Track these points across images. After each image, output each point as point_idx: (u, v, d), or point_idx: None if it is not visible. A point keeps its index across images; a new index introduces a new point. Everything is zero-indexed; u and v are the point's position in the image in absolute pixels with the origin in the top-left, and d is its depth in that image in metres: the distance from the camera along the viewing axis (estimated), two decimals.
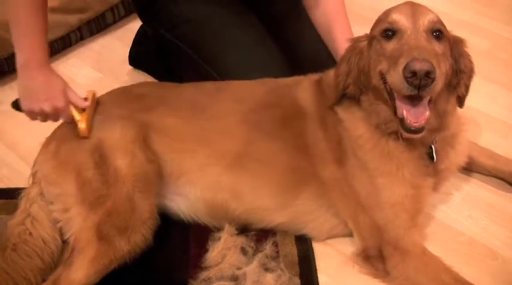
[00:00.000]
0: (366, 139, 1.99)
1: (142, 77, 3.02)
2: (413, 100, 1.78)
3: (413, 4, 1.89)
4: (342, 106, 2.04)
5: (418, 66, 1.66)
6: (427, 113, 1.80)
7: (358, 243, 2.06)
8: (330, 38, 2.49)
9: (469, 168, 2.34)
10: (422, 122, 1.79)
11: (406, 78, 1.68)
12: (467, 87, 1.98)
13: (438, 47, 1.82)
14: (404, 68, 1.68)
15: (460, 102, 2.00)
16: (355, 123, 2.01)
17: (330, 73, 2.13)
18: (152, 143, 2.09)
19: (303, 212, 2.10)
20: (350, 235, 2.12)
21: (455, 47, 1.93)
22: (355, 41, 2.01)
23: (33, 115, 2.15)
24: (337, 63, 2.14)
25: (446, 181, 2.20)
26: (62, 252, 2.05)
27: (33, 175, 2.11)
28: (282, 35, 2.63)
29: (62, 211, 2.01)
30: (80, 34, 3.31)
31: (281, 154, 2.09)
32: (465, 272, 1.94)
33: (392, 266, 1.95)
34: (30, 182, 2.12)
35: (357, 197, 2.01)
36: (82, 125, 2.05)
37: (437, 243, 2.10)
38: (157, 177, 2.07)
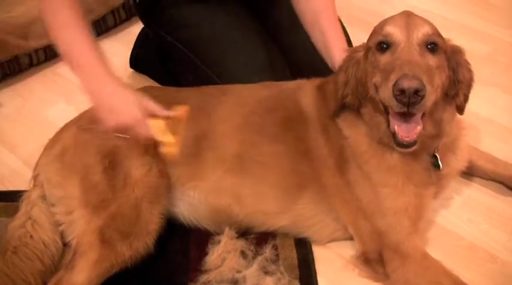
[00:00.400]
0: (370, 155, 1.98)
1: (143, 80, 3.02)
2: (405, 115, 1.78)
3: (409, 15, 1.87)
4: (345, 122, 2.04)
5: (407, 84, 1.65)
6: (419, 128, 1.79)
7: (358, 247, 2.06)
8: (323, 46, 2.45)
9: (469, 172, 2.34)
10: (414, 136, 1.78)
11: (395, 95, 1.68)
12: (466, 97, 1.96)
13: (432, 60, 1.80)
14: (394, 85, 1.67)
15: (460, 110, 1.98)
16: (359, 139, 2.01)
17: (331, 81, 2.14)
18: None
19: (304, 216, 2.11)
20: (350, 238, 2.12)
21: (453, 56, 1.90)
22: (352, 51, 2.01)
23: (114, 130, 1.95)
24: (331, 70, 2.17)
25: (447, 187, 2.20)
26: (63, 255, 2.06)
27: (35, 177, 2.11)
28: (281, 38, 2.64)
29: (65, 214, 2.01)
30: None
31: (283, 157, 2.09)
32: (465, 276, 1.94)
33: (392, 270, 1.95)
34: (32, 185, 2.12)
35: (358, 203, 2.01)
36: (170, 148, 1.83)
37: (437, 247, 2.11)
38: (167, 191, 2.08)
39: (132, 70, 3.11)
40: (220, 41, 2.51)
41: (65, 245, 2.05)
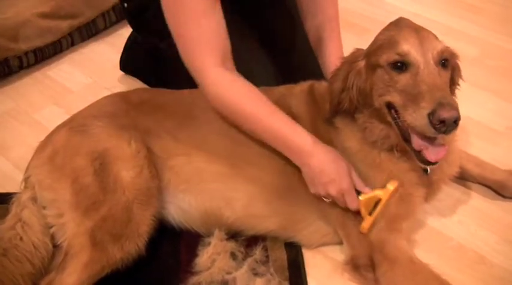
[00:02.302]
0: (357, 149, 2.01)
1: (134, 83, 3.03)
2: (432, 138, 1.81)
3: (418, 31, 1.85)
4: (339, 124, 2.06)
5: (448, 115, 1.67)
6: (447, 148, 1.83)
7: (348, 252, 2.06)
8: (320, 51, 2.48)
9: (457, 175, 2.34)
10: (442, 156, 1.82)
11: (433, 124, 1.69)
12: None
13: (446, 76, 1.84)
14: (432, 114, 1.68)
15: None
16: (348, 133, 2.03)
17: (322, 84, 2.15)
18: (154, 151, 2.11)
19: (294, 220, 2.11)
20: (340, 243, 2.12)
21: (451, 61, 1.93)
22: (352, 60, 1.99)
23: (325, 196, 2.01)
24: (325, 76, 2.19)
25: (439, 191, 2.21)
26: (53, 257, 2.05)
27: (26, 179, 2.10)
28: (273, 41, 2.64)
29: (56, 216, 2.00)
30: (71, 40, 3.31)
31: (273, 160, 2.09)
32: (454, 277, 1.96)
33: (381, 274, 1.94)
34: (22, 187, 2.11)
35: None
36: (366, 225, 1.95)
37: (427, 249, 2.12)
38: (159, 193, 2.07)
39: (123, 72, 3.10)
40: None
41: (55, 247, 2.04)
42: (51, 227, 2.02)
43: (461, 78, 2.01)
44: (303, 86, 2.23)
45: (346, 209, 2.01)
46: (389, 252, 1.94)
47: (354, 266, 2.02)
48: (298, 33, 2.62)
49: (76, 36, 3.34)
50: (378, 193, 1.94)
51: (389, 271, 1.93)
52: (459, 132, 2.15)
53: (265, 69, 2.50)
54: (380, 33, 1.95)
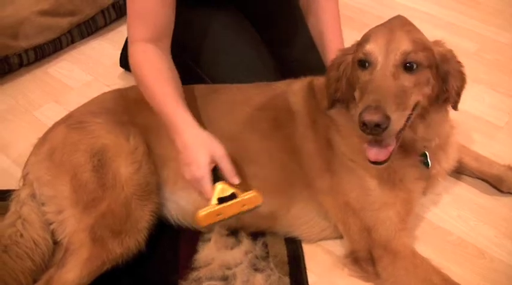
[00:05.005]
0: (356, 143, 1.99)
1: (133, 79, 3.01)
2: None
3: (392, 30, 1.83)
4: (335, 110, 2.06)
5: (368, 118, 1.65)
6: (391, 148, 1.79)
7: (347, 246, 2.07)
8: (322, 44, 2.50)
9: (455, 169, 2.35)
10: (384, 157, 1.79)
11: (359, 125, 1.69)
12: (455, 100, 1.94)
13: (409, 79, 1.77)
14: (360, 115, 1.68)
15: (453, 108, 1.97)
16: (345, 126, 2.03)
17: (321, 79, 2.15)
18: (153, 148, 2.12)
19: (294, 215, 2.12)
20: (340, 237, 2.13)
21: (443, 65, 1.88)
22: (344, 53, 2.00)
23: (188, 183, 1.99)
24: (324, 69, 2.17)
25: (437, 184, 2.22)
26: (53, 253, 2.05)
27: (24, 176, 2.11)
28: (273, 36, 2.65)
29: (56, 213, 2.01)
30: (70, 37, 3.32)
31: (273, 156, 2.10)
32: (454, 271, 1.97)
33: (382, 268, 1.96)
34: (21, 184, 2.12)
35: (346, 198, 2.02)
36: (202, 212, 1.85)
37: (426, 243, 2.13)
38: (157, 188, 2.09)
39: (122, 70, 3.11)
40: (212, 41, 2.51)
41: (55, 243, 2.05)
42: (50, 223, 2.03)
43: (461, 84, 1.92)
44: (302, 82, 2.23)
45: (346, 204, 2.01)
46: (392, 247, 1.95)
47: (353, 259, 2.03)
48: (298, 28, 2.62)
49: (76, 34, 3.34)
50: (239, 190, 1.89)
51: (391, 265, 1.94)
52: (458, 126, 2.17)
53: (264, 63, 2.50)
54: (369, 30, 1.93)
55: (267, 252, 2.10)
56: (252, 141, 2.12)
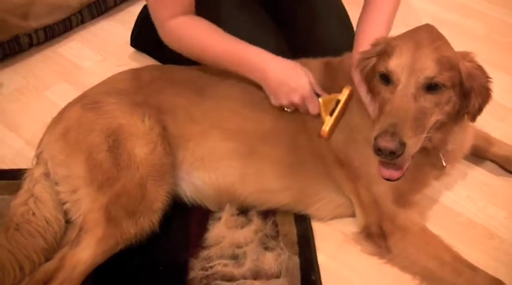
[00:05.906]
0: (368, 121, 1.97)
1: (145, 59, 3.03)
2: None
3: (418, 46, 1.77)
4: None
5: (383, 145, 1.65)
6: (405, 168, 1.80)
7: (360, 220, 2.08)
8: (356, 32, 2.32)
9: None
10: (397, 176, 1.80)
11: (374, 148, 1.69)
12: (475, 114, 1.90)
13: (430, 100, 1.74)
14: (376, 138, 1.68)
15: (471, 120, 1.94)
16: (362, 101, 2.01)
17: (337, 59, 2.17)
18: (168, 129, 2.12)
19: (307, 193, 2.13)
20: (350, 216, 2.15)
21: (468, 81, 1.82)
22: (365, 57, 1.95)
23: (287, 106, 2.10)
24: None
25: (448, 175, 2.21)
26: (65, 232, 2.07)
27: (38, 155, 2.12)
28: (293, 18, 2.65)
29: (70, 192, 2.02)
30: (81, 17, 3.31)
31: (285, 134, 2.11)
32: (463, 252, 1.97)
33: (393, 243, 1.98)
34: (34, 163, 2.13)
35: (357, 171, 2.03)
36: (326, 127, 2.00)
37: (436, 224, 2.14)
38: (172, 169, 2.09)
39: (133, 50, 3.11)
40: (228, 25, 2.50)
41: (68, 222, 2.06)
42: (64, 203, 2.04)
43: (480, 102, 1.88)
44: (318, 62, 2.22)
45: (357, 176, 2.03)
46: (401, 223, 1.97)
47: (367, 234, 2.05)
48: (320, 10, 2.60)
49: (86, 14, 3.33)
50: (336, 94, 2.03)
51: (401, 240, 1.96)
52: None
53: (277, 44, 2.47)
54: (395, 38, 1.88)
55: (277, 231, 2.12)
56: (264, 120, 2.13)
